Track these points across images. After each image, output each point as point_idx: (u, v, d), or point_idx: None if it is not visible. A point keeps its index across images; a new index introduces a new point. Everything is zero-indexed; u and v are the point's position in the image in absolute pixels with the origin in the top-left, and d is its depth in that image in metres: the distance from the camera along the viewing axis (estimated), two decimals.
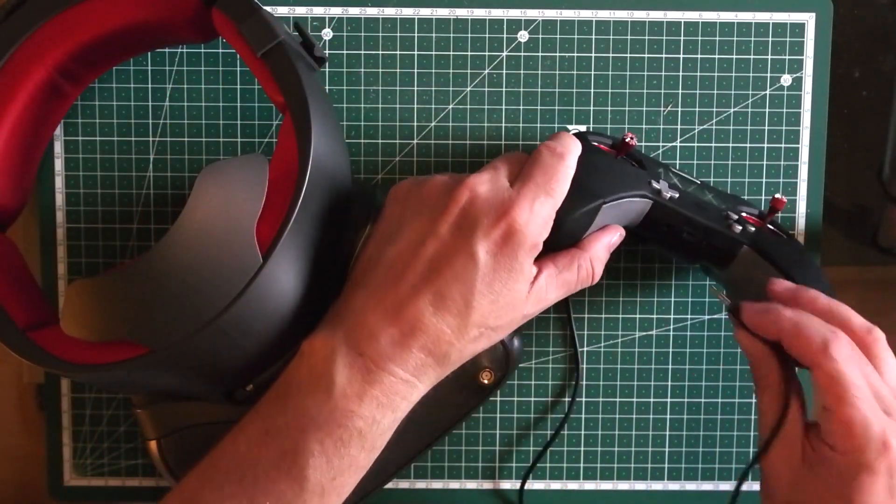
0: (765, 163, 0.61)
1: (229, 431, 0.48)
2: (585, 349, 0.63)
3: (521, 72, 0.61)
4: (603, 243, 0.52)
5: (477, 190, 0.48)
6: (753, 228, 0.55)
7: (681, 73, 0.61)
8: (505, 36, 0.61)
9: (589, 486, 0.64)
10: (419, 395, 0.48)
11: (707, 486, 0.64)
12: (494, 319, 0.48)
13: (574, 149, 0.50)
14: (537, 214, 0.48)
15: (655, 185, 0.54)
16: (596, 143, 0.55)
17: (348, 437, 0.46)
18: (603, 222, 0.53)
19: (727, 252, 0.55)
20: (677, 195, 0.54)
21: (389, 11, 0.61)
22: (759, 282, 0.54)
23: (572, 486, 0.64)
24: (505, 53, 0.61)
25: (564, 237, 0.51)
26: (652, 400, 0.63)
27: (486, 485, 0.64)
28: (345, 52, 0.61)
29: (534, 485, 0.64)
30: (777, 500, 0.50)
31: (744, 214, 0.56)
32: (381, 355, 0.46)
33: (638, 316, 0.63)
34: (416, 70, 0.61)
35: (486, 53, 0.61)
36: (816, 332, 0.49)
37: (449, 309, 0.46)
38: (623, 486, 0.64)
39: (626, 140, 0.53)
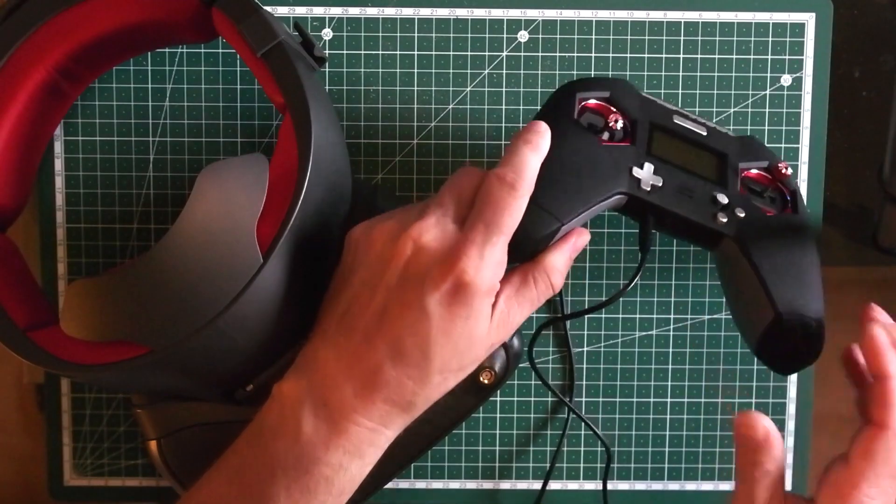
0: None
1: (214, 465, 0.48)
2: (585, 349, 0.63)
3: (521, 72, 0.61)
4: (561, 253, 0.50)
5: (421, 241, 0.45)
6: (743, 214, 0.52)
7: (681, 73, 0.61)
8: (505, 36, 0.61)
9: (589, 486, 0.64)
10: (388, 440, 0.47)
11: (707, 486, 0.64)
12: (457, 362, 0.46)
13: (530, 172, 0.47)
14: (488, 259, 0.45)
15: (637, 172, 0.52)
16: (582, 114, 0.53)
17: (314, 483, 0.45)
18: (568, 228, 0.51)
19: (710, 240, 0.53)
20: (661, 182, 0.52)
21: (389, 11, 0.61)
22: (737, 277, 0.53)
23: (572, 486, 0.64)
24: (505, 53, 0.61)
25: (519, 258, 0.49)
26: (652, 400, 0.63)
27: (486, 485, 0.64)
28: (345, 52, 0.61)
29: (533, 485, 0.63)
30: None
31: (748, 173, 0.55)
32: (345, 406, 0.45)
33: (638, 316, 0.63)
34: (416, 70, 0.61)
35: (486, 53, 0.61)
36: None
37: (407, 361, 0.45)
38: (623, 486, 0.64)
39: (610, 118, 0.53)
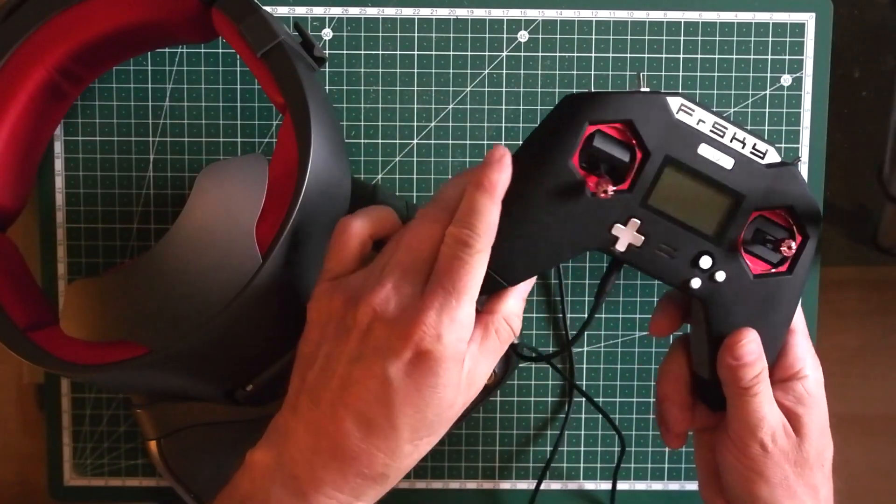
0: None
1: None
2: (585, 349, 0.63)
3: (521, 72, 0.61)
4: (517, 297, 0.48)
5: (381, 308, 0.43)
6: (723, 279, 0.49)
7: (681, 73, 0.61)
8: (505, 36, 0.61)
9: (589, 486, 0.64)
10: None
11: None
12: (427, 430, 0.45)
13: (487, 223, 0.44)
14: (448, 325, 0.43)
15: (618, 230, 0.48)
16: (590, 140, 0.47)
17: None
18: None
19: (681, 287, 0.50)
20: (640, 242, 0.48)
21: (389, 11, 0.61)
22: (696, 328, 0.51)
23: (572, 486, 0.64)
24: (505, 53, 0.61)
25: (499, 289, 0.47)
26: (652, 400, 0.63)
27: (486, 485, 0.64)
28: (345, 52, 0.61)
29: (533, 485, 0.63)
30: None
31: (764, 213, 0.49)
32: (315, 480, 0.44)
33: (638, 316, 0.63)
34: (416, 70, 0.61)
35: (486, 53, 0.61)
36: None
37: (375, 433, 0.44)
38: (623, 486, 0.64)
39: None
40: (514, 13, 0.61)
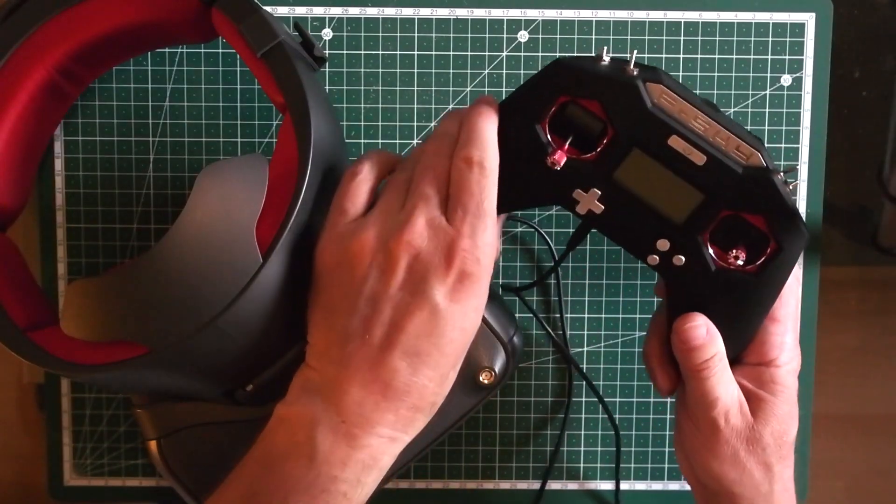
0: None
1: (216, 490, 0.47)
2: (585, 349, 0.63)
3: (521, 72, 0.61)
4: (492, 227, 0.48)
5: (415, 243, 0.45)
6: (681, 263, 0.49)
7: (681, 73, 0.61)
8: (505, 36, 0.61)
9: (589, 486, 0.64)
10: (405, 444, 0.47)
11: None
12: (465, 349, 0.47)
13: (491, 142, 0.47)
14: (483, 244, 0.46)
15: (578, 195, 0.49)
16: (563, 108, 0.48)
17: (333, 500, 0.45)
18: None
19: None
20: (600, 211, 0.49)
21: (389, 11, 0.61)
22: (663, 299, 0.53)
23: (572, 486, 0.64)
24: (505, 53, 0.61)
25: None
26: (652, 400, 0.63)
27: (487, 485, 0.64)
28: (345, 52, 0.61)
29: (533, 485, 0.64)
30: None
31: (737, 213, 0.48)
32: (367, 420, 0.45)
33: (638, 316, 0.63)
34: (416, 70, 0.61)
35: (486, 53, 0.61)
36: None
37: (426, 363, 0.45)
38: (623, 486, 0.64)
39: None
40: (514, 13, 0.61)
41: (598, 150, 0.48)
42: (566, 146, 0.48)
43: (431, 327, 0.45)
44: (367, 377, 0.45)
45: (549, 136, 0.48)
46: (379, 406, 0.45)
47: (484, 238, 0.46)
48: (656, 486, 0.64)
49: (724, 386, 0.51)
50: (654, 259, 0.50)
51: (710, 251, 0.49)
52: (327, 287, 0.47)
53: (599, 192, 0.49)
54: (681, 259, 0.49)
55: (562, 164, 0.48)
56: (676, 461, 0.57)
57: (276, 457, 0.46)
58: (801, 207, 0.62)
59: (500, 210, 0.48)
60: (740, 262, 0.49)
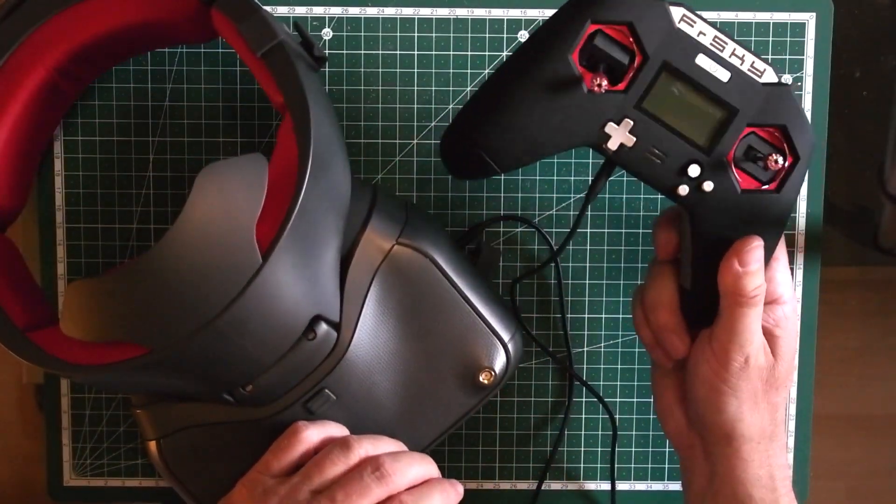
0: None
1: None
2: (585, 349, 0.63)
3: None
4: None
5: None
6: (710, 188, 0.50)
7: None
8: (505, 36, 0.61)
9: (589, 486, 0.64)
10: None
11: None
12: None
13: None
14: None
15: (610, 128, 0.49)
16: (591, 40, 0.49)
17: None
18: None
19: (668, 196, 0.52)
20: (632, 142, 0.50)
21: (389, 11, 0.61)
22: (683, 238, 0.53)
23: (572, 486, 0.64)
24: (505, 53, 0.61)
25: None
26: (652, 400, 0.63)
27: (487, 485, 0.64)
28: (345, 52, 0.61)
29: (533, 485, 0.63)
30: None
31: (756, 130, 0.50)
32: None
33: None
34: (416, 70, 0.61)
35: (486, 53, 0.61)
36: (735, 269, 0.51)
37: None
38: (623, 486, 0.64)
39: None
40: (514, 13, 0.61)
41: (628, 78, 0.49)
42: (594, 75, 0.48)
43: None
44: None
45: (579, 68, 0.49)
46: None
47: None
48: (656, 486, 0.64)
49: (759, 322, 0.52)
50: (684, 189, 0.50)
51: (736, 175, 0.51)
52: None
53: (632, 122, 0.49)
54: (710, 184, 0.50)
55: (604, 87, 0.48)
56: (662, 420, 0.57)
57: None
58: (802, 207, 0.62)
59: (515, 164, 0.48)
60: (763, 181, 0.51)
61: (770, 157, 0.50)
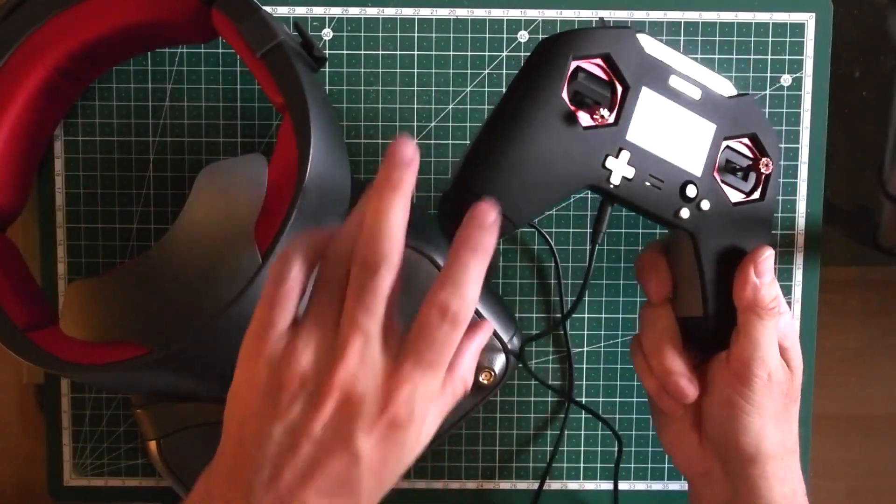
0: None
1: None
2: (585, 349, 0.63)
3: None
4: (470, 353, 0.45)
5: (348, 386, 0.41)
6: (708, 207, 0.51)
7: None
8: (505, 36, 0.61)
9: (589, 486, 0.64)
10: None
11: None
12: (382, 491, 0.43)
13: (475, 292, 0.42)
14: (424, 396, 0.42)
15: (611, 163, 0.49)
16: (574, 78, 0.49)
17: None
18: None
19: (667, 227, 0.53)
20: (632, 174, 0.50)
21: (389, 11, 0.61)
22: (686, 266, 0.53)
23: (572, 486, 0.64)
24: (505, 53, 0.61)
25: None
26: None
27: (487, 485, 0.64)
28: (345, 52, 0.61)
29: (533, 485, 0.63)
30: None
31: (731, 145, 0.52)
32: None
33: (637, 316, 0.63)
34: (416, 70, 0.61)
35: (486, 53, 0.61)
36: (752, 280, 0.51)
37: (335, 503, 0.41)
38: (623, 485, 0.64)
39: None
40: (514, 13, 0.61)
41: (615, 109, 0.50)
42: (590, 108, 0.49)
43: (348, 473, 0.41)
44: None
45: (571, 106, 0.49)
46: None
47: (428, 390, 0.42)
48: (656, 486, 0.64)
49: (776, 335, 0.51)
50: (686, 212, 0.51)
51: (724, 190, 0.52)
52: (247, 401, 0.42)
53: (629, 153, 0.50)
54: (707, 203, 0.51)
55: (606, 117, 0.49)
56: (672, 453, 0.57)
57: None
58: (801, 207, 0.62)
59: (528, 215, 0.48)
60: (746, 192, 0.53)
61: (761, 162, 0.51)
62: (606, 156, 0.50)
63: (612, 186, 0.50)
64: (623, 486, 0.64)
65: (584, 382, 0.63)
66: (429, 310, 0.42)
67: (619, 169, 0.50)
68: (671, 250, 0.55)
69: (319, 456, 0.41)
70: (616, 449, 0.63)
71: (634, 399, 0.63)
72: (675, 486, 0.64)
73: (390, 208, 0.42)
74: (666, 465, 0.64)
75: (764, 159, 0.52)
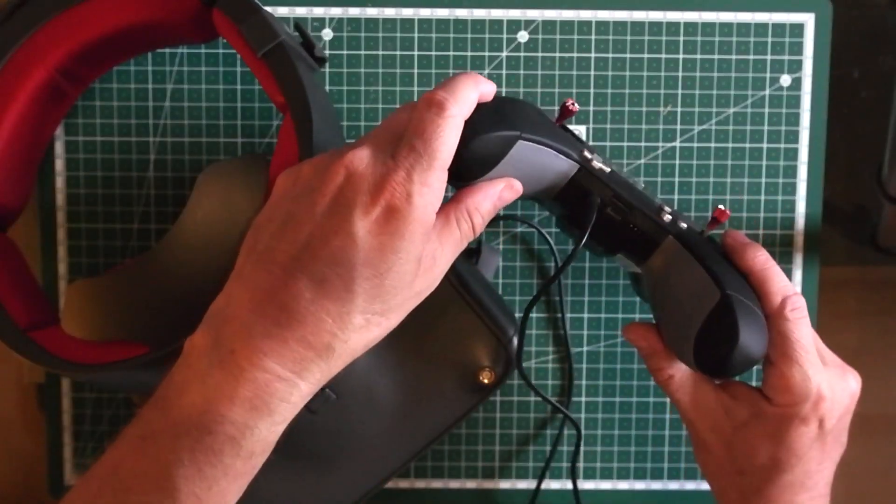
0: (764, 163, 0.62)
1: (121, 432, 0.44)
2: (585, 349, 0.63)
3: (521, 72, 0.61)
4: (485, 193, 0.47)
5: (353, 166, 0.42)
6: (685, 226, 0.52)
7: (680, 74, 0.61)
8: (505, 36, 0.61)
9: (589, 485, 0.64)
10: (302, 397, 0.42)
11: (707, 485, 0.64)
12: (381, 303, 0.42)
13: (464, 94, 0.44)
14: (420, 184, 0.42)
15: (588, 154, 0.50)
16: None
17: (219, 445, 0.41)
18: (516, 168, 0.48)
19: (650, 240, 0.52)
20: (608, 171, 0.51)
21: (389, 12, 0.61)
22: (676, 275, 0.52)
23: (572, 485, 0.64)
24: (505, 53, 0.61)
25: (468, 163, 0.46)
26: (652, 400, 0.63)
27: (487, 484, 0.64)
28: (345, 52, 0.61)
29: (533, 484, 0.64)
30: (715, 460, 0.54)
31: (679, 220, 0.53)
32: (254, 350, 0.41)
33: (637, 316, 0.63)
34: (416, 70, 0.61)
35: (486, 53, 0.61)
36: (781, 285, 0.52)
37: (328, 294, 0.41)
38: (623, 485, 0.64)
39: (567, 106, 0.50)
40: (514, 13, 0.61)
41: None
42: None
43: (343, 256, 0.41)
44: (263, 297, 0.41)
45: None
46: (269, 333, 0.41)
47: (423, 178, 0.42)
48: (656, 485, 0.64)
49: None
50: (668, 217, 0.52)
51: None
52: (267, 205, 0.44)
53: (602, 158, 0.52)
54: (683, 223, 0.52)
55: (575, 108, 0.51)
56: (705, 476, 0.56)
57: (173, 391, 0.42)
58: (800, 207, 0.62)
59: (523, 133, 0.48)
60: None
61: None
62: (583, 150, 0.51)
63: (595, 168, 0.50)
64: (621, 485, 0.64)
65: (583, 382, 0.63)
66: (419, 104, 0.43)
67: (597, 161, 0.51)
68: (656, 283, 0.53)
69: (317, 236, 0.41)
70: (574, 439, 0.63)
71: (634, 399, 0.63)
72: (673, 485, 0.64)
73: (471, 81, 0.45)
74: (665, 465, 0.64)
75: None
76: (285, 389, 0.41)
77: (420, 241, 0.43)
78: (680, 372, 0.53)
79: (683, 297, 0.51)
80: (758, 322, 0.50)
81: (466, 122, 0.45)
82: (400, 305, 0.43)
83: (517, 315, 0.62)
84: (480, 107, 0.46)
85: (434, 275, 0.45)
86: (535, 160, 0.49)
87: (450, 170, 0.44)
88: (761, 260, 0.52)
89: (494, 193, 0.47)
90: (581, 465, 0.64)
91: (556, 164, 0.50)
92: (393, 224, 0.42)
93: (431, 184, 0.43)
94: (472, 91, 0.45)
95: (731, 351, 0.49)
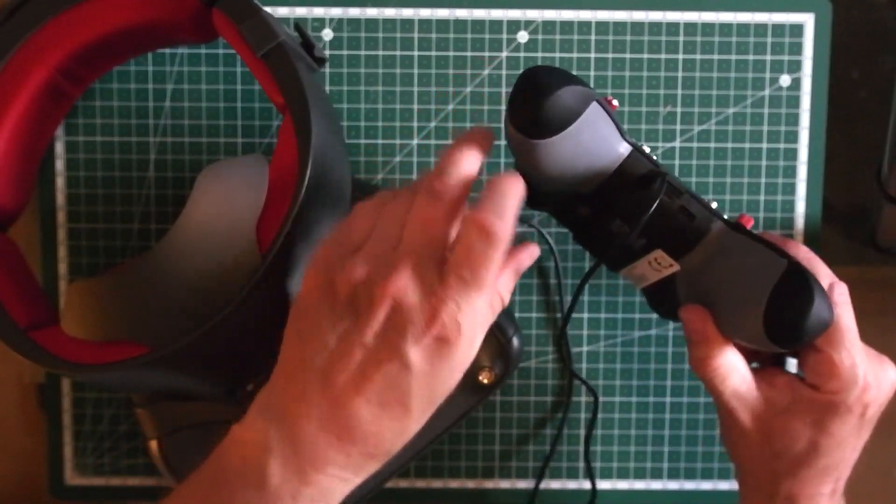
0: (763, 163, 0.62)
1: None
2: (585, 349, 0.63)
3: (521, 72, 0.61)
4: (511, 272, 0.49)
5: (399, 297, 0.43)
6: (727, 216, 0.51)
7: (680, 74, 0.61)
8: (505, 36, 0.61)
9: (587, 484, 0.64)
10: (354, 486, 0.46)
11: (706, 485, 0.64)
12: (432, 406, 0.45)
13: (515, 211, 0.45)
14: (470, 314, 0.43)
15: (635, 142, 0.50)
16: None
17: None
18: (578, 141, 0.47)
19: (695, 229, 0.50)
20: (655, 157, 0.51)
21: (389, 12, 0.61)
22: (726, 259, 0.50)
23: (571, 485, 0.64)
24: (505, 53, 0.61)
25: (547, 117, 0.46)
26: (652, 400, 0.63)
27: (487, 484, 0.64)
28: (345, 52, 0.61)
29: (532, 484, 0.64)
30: (749, 443, 0.52)
31: None
32: (319, 458, 0.43)
33: (638, 316, 0.63)
34: (416, 70, 0.61)
35: (486, 53, 0.61)
36: (826, 272, 0.52)
37: (388, 416, 0.44)
38: (622, 485, 0.64)
39: (609, 101, 0.49)
40: (514, 13, 0.61)
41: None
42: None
43: (399, 382, 0.43)
44: (325, 416, 0.43)
45: None
46: (332, 446, 0.44)
47: (473, 307, 0.43)
48: (655, 485, 0.64)
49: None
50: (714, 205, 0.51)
51: None
52: (306, 311, 0.45)
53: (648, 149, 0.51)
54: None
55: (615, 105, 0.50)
56: (735, 458, 0.54)
57: (226, 479, 0.44)
58: (800, 207, 0.62)
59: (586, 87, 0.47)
60: None
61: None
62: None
63: (647, 151, 0.50)
64: (621, 485, 0.64)
65: (582, 382, 0.63)
66: (468, 229, 0.43)
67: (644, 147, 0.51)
68: (702, 274, 0.52)
69: (371, 363, 0.43)
70: (592, 405, 0.63)
71: (634, 399, 0.63)
72: (673, 485, 0.64)
73: (463, 154, 0.45)
74: (665, 465, 0.64)
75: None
76: (345, 485, 0.45)
77: (469, 357, 0.45)
78: (726, 362, 0.52)
79: (738, 279, 0.50)
80: (823, 289, 0.48)
81: (538, 79, 0.47)
82: (446, 396, 0.46)
83: (517, 315, 0.62)
84: (552, 68, 0.46)
85: (474, 354, 0.46)
86: (596, 134, 0.48)
87: (524, 125, 0.45)
88: (804, 250, 0.53)
89: (519, 269, 0.49)
90: (581, 464, 0.64)
91: (613, 143, 0.49)
92: (445, 353, 0.43)
93: (479, 309, 0.44)
94: (518, 200, 0.45)
95: (806, 312, 0.47)
